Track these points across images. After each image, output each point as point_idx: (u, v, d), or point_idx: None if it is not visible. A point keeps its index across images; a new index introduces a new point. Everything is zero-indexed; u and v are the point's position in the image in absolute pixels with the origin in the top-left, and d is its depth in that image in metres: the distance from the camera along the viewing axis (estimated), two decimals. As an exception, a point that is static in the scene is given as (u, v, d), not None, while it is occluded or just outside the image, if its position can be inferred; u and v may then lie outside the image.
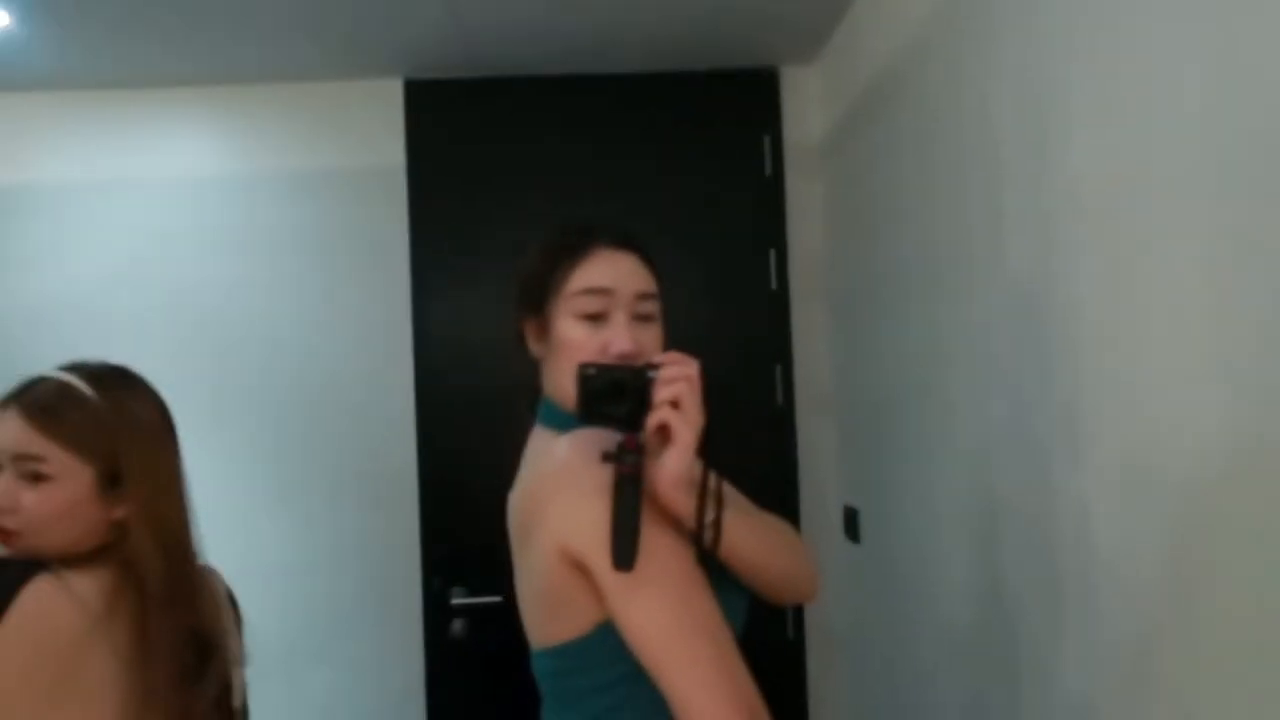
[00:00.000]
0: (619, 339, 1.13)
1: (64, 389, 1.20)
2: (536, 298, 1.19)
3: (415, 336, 2.52)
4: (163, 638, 1.19)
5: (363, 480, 2.54)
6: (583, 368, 1.03)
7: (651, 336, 1.17)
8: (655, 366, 1.03)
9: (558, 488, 1.05)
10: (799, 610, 2.56)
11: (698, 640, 0.99)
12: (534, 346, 1.23)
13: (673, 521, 1.05)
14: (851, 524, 2.45)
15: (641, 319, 1.16)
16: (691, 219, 2.53)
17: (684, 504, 1.04)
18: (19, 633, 1.09)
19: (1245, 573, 0.97)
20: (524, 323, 1.23)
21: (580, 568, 1.03)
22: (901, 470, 2.07)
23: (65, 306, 2.52)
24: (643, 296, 1.16)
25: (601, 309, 1.14)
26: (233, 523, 2.48)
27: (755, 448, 2.52)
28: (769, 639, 2.48)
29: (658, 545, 1.00)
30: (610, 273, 1.15)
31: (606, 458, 1.01)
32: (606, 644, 1.04)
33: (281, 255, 2.58)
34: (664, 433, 1.02)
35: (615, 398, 1.02)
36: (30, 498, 1.16)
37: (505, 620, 2.40)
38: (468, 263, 2.52)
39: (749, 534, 1.14)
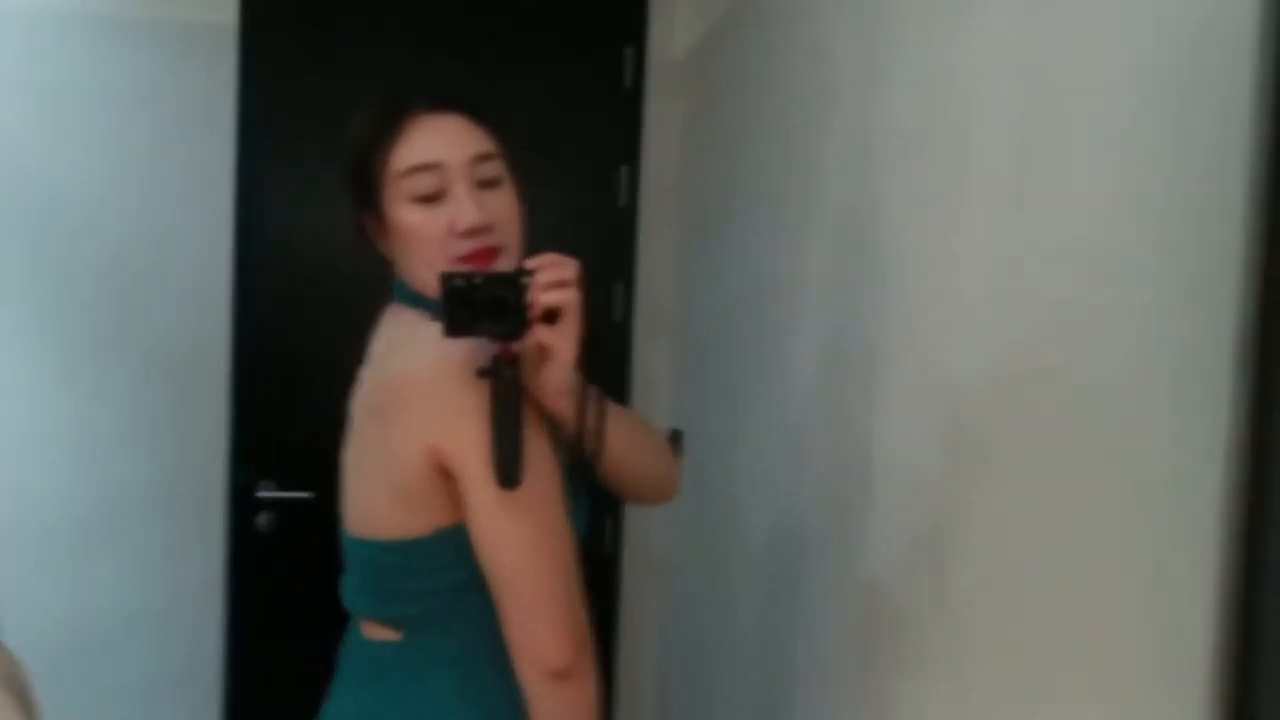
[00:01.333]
0: (463, 214, 1.03)
1: None
2: (364, 189, 1.09)
3: (236, 212, 2.35)
4: None
5: (164, 360, 2.37)
6: (446, 278, 0.94)
7: (501, 201, 1.07)
8: (528, 272, 0.96)
9: (434, 387, 0.98)
10: (617, 526, 2.58)
11: (553, 572, 0.98)
12: (378, 243, 1.13)
13: (546, 431, 1.02)
14: (675, 445, 2.46)
15: (485, 184, 1.05)
16: (544, 127, 2.43)
17: (565, 411, 1.01)
18: None
19: (1012, 476, 1.00)
20: (360, 217, 1.13)
21: (444, 473, 0.99)
22: (728, 393, 2.09)
23: None
24: (480, 159, 1.06)
25: (435, 187, 1.04)
26: (16, 393, 2.30)
27: (588, 363, 2.48)
28: (586, 552, 2.50)
29: (532, 467, 0.96)
30: (435, 143, 1.05)
31: (482, 373, 0.94)
32: (443, 550, 1.01)
33: (86, 108, 2.32)
34: (543, 348, 0.98)
35: (487, 311, 0.93)
36: None
37: (315, 518, 2.36)
38: (298, 140, 2.36)
39: (622, 435, 1.12)
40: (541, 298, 0.95)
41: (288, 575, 2.37)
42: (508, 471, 0.93)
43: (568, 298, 0.96)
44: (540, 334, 0.96)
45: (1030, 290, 0.97)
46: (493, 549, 0.99)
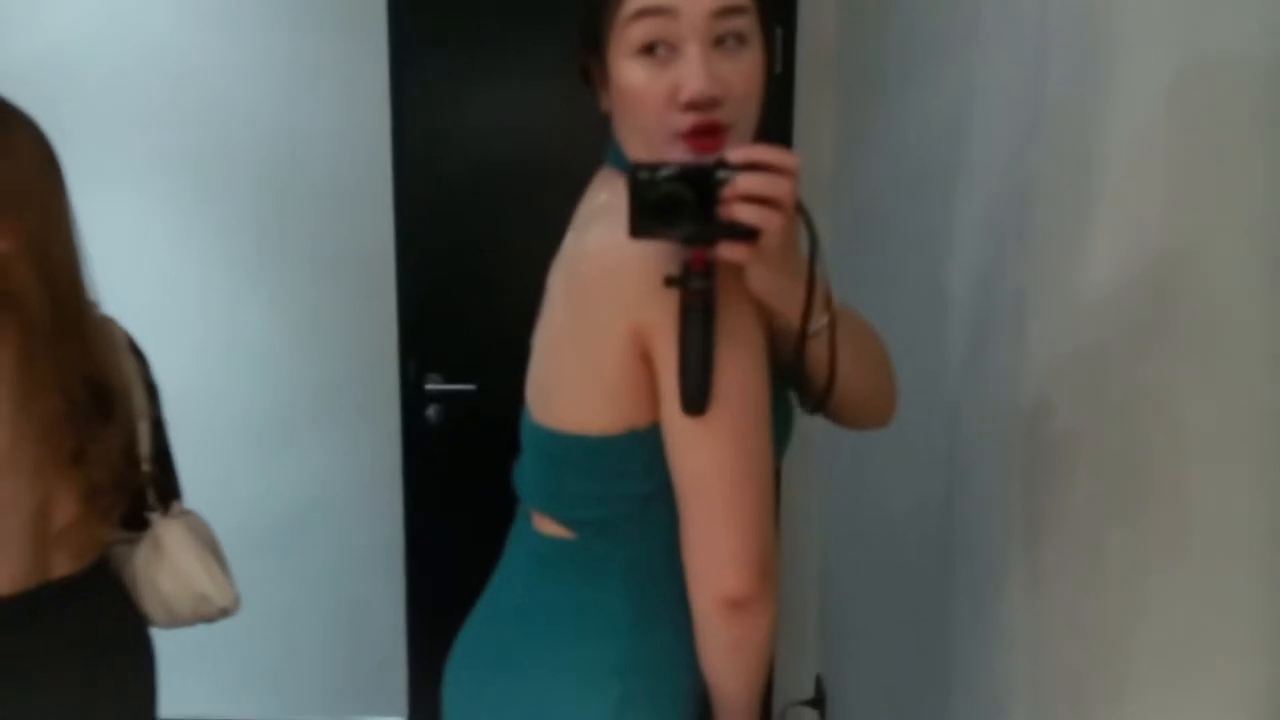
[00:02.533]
0: (690, 80, 0.84)
1: None
2: (591, 29, 0.91)
3: (393, 113, 2.37)
4: (49, 373, 1.18)
5: (336, 264, 2.46)
6: (635, 169, 0.77)
7: (741, 68, 0.87)
8: (730, 166, 0.77)
9: (644, 259, 0.82)
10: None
11: (746, 491, 0.86)
12: (600, 96, 0.96)
13: (760, 337, 0.87)
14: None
15: (727, 44, 0.86)
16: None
17: (785, 303, 0.85)
18: None
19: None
20: (586, 65, 0.96)
21: (645, 361, 0.87)
22: (884, 270, 1.96)
23: (42, 65, 2.38)
24: (724, 12, 0.85)
25: (661, 35, 0.85)
26: (210, 297, 2.44)
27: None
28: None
29: (727, 373, 0.83)
30: None
31: (670, 282, 0.80)
32: (633, 454, 0.90)
33: (246, 18, 2.38)
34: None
35: (667, 211, 0.77)
36: None
37: (480, 409, 2.43)
38: (450, 36, 2.33)
39: (851, 350, 0.95)
40: (736, 210, 0.77)
41: (457, 463, 2.45)
42: (691, 397, 0.82)
43: (770, 222, 0.77)
44: (723, 250, 0.79)
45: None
46: (683, 464, 0.87)
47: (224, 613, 1.39)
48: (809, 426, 2.44)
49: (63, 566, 1.25)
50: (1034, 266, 1.13)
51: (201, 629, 1.42)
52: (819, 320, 0.89)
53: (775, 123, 2.36)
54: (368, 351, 2.47)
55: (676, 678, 0.97)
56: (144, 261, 2.41)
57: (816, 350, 0.92)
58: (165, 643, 1.42)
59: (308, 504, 2.52)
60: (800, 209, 0.80)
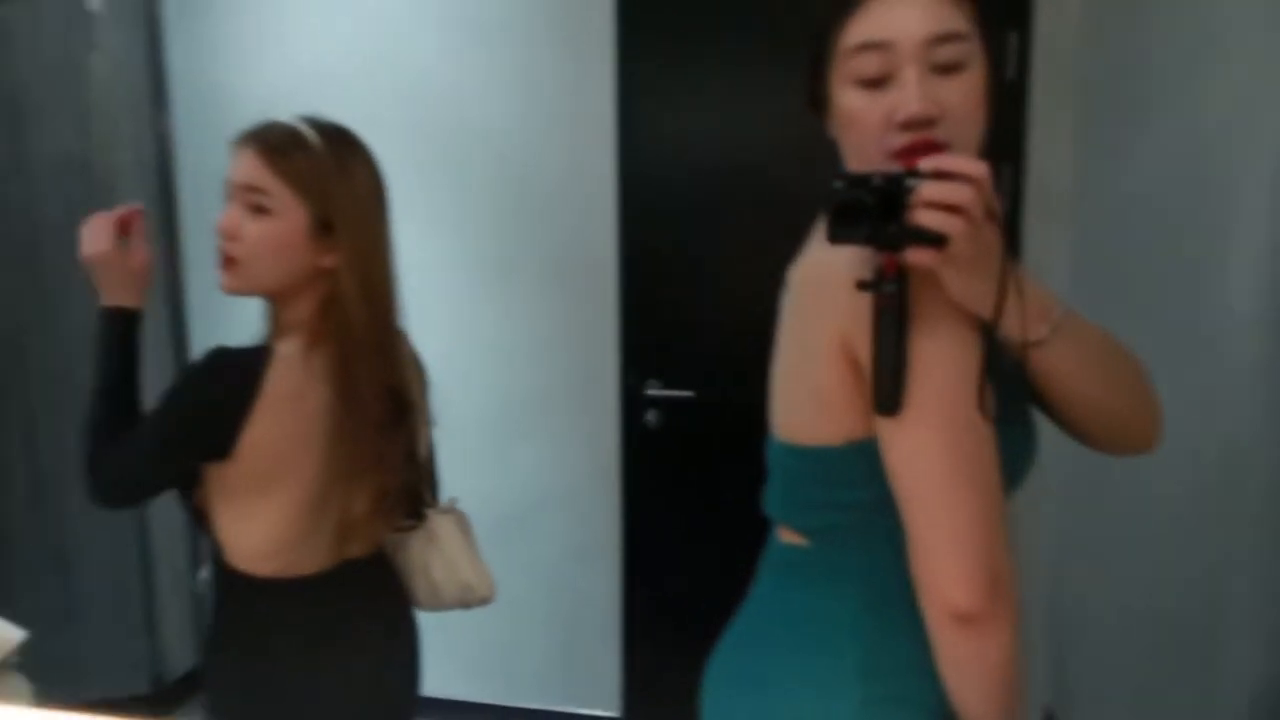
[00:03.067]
0: (905, 102, 0.88)
1: (294, 133, 1.29)
2: (817, 63, 0.98)
3: (619, 123, 2.47)
4: (362, 381, 1.29)
5: (563, 271, 2.59)
6: (834, 182, 0.82)
7: (959, 89, 0.90)
8: (920, 175, 0.81)
9: (848, 271, 0.87)
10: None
11: (960, 491, 0.86)
12: (827, 123, 1.01)
13: (972, 338, 0.87)
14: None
15: (943, 69, 0.90)
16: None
17: (984, 307, 0.85)
18: (270, 409, 1.25)
19: None
20: (814, 93, 1.01)
21: (856, 370, 0.91)
22: (1136, 297, 1.84)
23: (316, 84, 2.63)
24: (940, 40, 0.89)
25: (880, 69, 0.90)
26: (450, 303, 2.63)
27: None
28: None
29: (930, 374, 0.85)
30: (890, 19, 0.90)
31: (862, 286, 0.84)
32: (856, 463, 0.93)
33: (488, 39, 2.55)
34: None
35: (853, 217, 0.81)
36: (252, 228, 1.27)
37: (698, 415, 2.49)
38: (680, 44, 2.40)
39: (1080, 365, 0.95)
40: (919, 215, 0.80)
41: (674, 468, 2.52)
42: (885, 396, 0.85)
43: (953, 227, 0.79)
44: (911, 255, 0.81)
45: None
46: (896, 471, 0.89)
47: (484, 601, 1.50)
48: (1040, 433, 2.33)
49: (353, 551, 1.38)
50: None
51: (433, 614, 1.54)
52: (1035, 331, 0.90)
53: (1007, 130, 2.28)
54: (590, 356, 2.58)
55: (920, 686, 0.96)
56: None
57: (1045, 363, 0.92)
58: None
59: (534, 500, 2.67)
60: (992, 216, 0.81)
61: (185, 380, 1.30)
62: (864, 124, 0.92)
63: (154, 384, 1.36)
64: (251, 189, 1.26)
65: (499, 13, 2.53)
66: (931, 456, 0.86)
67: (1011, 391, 0.94)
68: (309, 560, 1.34)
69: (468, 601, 1.49)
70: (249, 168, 1.27)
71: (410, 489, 1.44)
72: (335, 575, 1.36)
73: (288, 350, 1.29)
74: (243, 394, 1.24)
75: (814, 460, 0.97)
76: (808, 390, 0.96)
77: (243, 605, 1.37)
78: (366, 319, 1.30)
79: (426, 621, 1.51)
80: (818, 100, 1.00)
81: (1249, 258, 1.39)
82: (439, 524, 1.47)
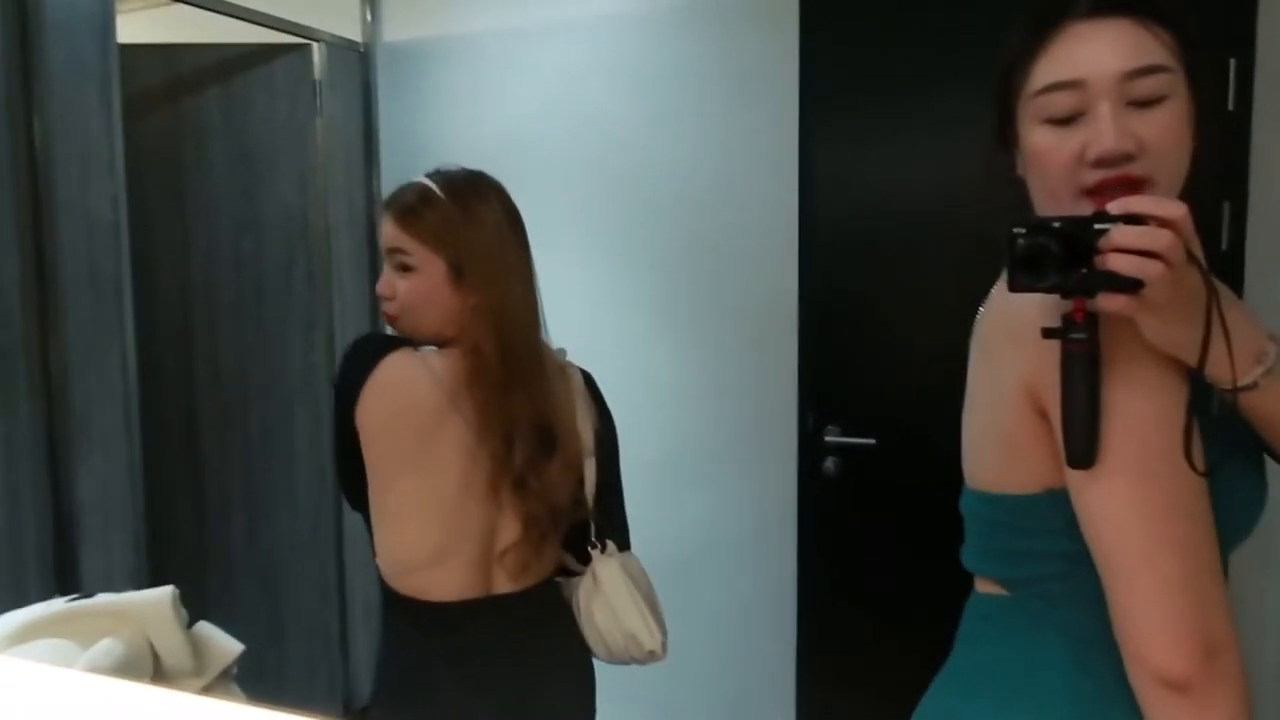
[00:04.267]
0: (1099, 138, 0.84)
1: (421, 191, 1.40)
2: (1004, 104, 0.94)
3: (801, 173, 2.46)
4: (496, 416, 1.36)
5: (742, 315, 2.58)
6: (1014, 229, 0.79)
7: (1159, 122, 0.85)
8: (1109, 218, 0.76)
9: (1039, 318, 0.83)
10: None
11: (1159, 550, 0.80)
12: (1016, 161, 0.97)
13: (1174, 382, 0.82)
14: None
15: (1141, 104, 0.85)
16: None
17: (1187, 353, 0.80)
18: (377, 392, 1.34)
19: None
20: (1004, 134, 0.98)
21: (1045, 418, 0.87)
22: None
23: (505, 140, 2.77)
24: (1137, 74, 0.84)
25: (1072, 108, 0.86)
26: (626, 343, 2.68)
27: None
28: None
29: (1128, 425, 0.81)
30: (1081, 57, 0.86)
31: (1049, 334, 0.80)
32: (1054, 512, 0.88)
33: (670, 87, 2.61)
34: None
35: (1037, 265, 0.77)
36: (402, 285, 1.39)
37: (878, 463, 2.41)
38: (862, 84, 2.38)
39: None
40: (1110, 260, 0.75)
41: (852, 516, 2.44)
42: (1076, 449, 0.81)
43: (1148, 272, 0.74)
44: (1104, 302, 0.77)
45: None
46: (1089, 524, 0.84)
47: (652, 655, 1.46)
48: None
49: (503, 584, 1.41)
50: None
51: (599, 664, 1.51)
52: (1248, 374, 0.84)
53: (1229, 161, 2.10)
54: (768, 400, 2.55)
55: None
56: (572, 307, 2.70)
57: (1263, 407, 0.85)
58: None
59: (703, 546, 2.65)
60: (1193, 259, 0.76)
61: None
62: (1055, 162, 0.88)
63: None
64: (395, 250, 1.38)
65: (683, 59, 2.59)
66: (1128, 512, 0.81)
67: (1232, 438, 0.86)
68: (451, 584, 1.37)
69: (635, 654, 1.46)
70: (390, 232, 1.39)
71: (565, 524, 1.44)
72: (479, 606, 1.38)
73: (428, 352, 1.39)
74: (361, 366, 1.35)
75: (1009, 509, 0.93)
76: (997, 439, 0.93)
77: (392, 624, 1.42)
78: (498, 354, 1.36)
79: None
80: (1005, 139, 0.97)
81: None
82: (603, 568, 1.46)
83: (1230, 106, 2.09)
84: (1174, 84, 0.86)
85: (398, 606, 1.40)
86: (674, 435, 2.67)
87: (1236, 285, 2.12)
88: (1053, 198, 0.90)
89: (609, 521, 1.51)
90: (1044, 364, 0.83)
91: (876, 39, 2.37)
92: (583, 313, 2.70)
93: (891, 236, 2.37)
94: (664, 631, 1.47)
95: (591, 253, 2.72)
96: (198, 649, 1.08)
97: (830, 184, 2.44)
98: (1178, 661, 0.79)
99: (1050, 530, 0.90)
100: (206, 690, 1.17)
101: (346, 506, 1.50)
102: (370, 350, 1.39)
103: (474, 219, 1.38)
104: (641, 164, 2.65)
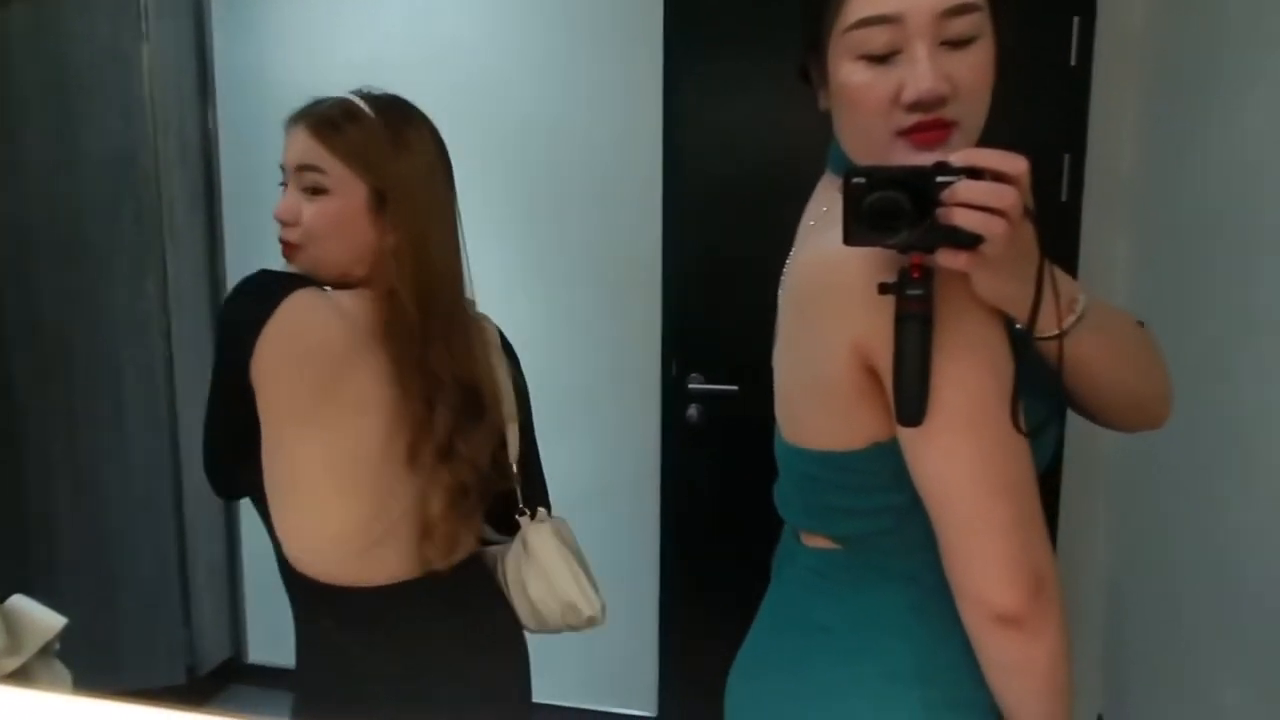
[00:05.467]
0: (916, 79, 0.82)
1: (347, 106, 1.22)
2: (812, 33, 0.91)
3: (665, 117, 2.42)
4: (416, 372, 1.20)
5: (606, 264, 2.54)
6: (849, 176, 0.76)
7: (970, 64, 0.84)
8: (952, 170, 0.74)
9: (862, 273, 0.81)
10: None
11: (992, 497, 0.82)
12: (820, 96, 0.95)
13: (996, 331, 0.82)
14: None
15: (954, 44, 0.83)
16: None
17: (1015, 306, 0.81)
18: (281, 338, 1.13)
19: None
20: (806, 63, 0.96)
21: (874, 376, 0.85)
22: (1205, 292, 1.75)
23: (337, 86, 2.61)
24: (952, 12, 0.82)
25: (888, 45, 0.83)
26: (489, 293, 2.59)
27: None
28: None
29: (959, 380, 0.80)
30: None
31: (884, 289, 0.78)
32: (881, 467, 0.88)
33: (534, 29, 2.52)
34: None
35: (889, 219, 0.74)
36: (309, 209, 1.19)
37: (741, 409, 2.43)
38: (727, 39, 2.35)
39: (1107, 352, 0.90)
40: (955, 215, 0.73)
41: (716, 463, 2.47)
42: (908, 406, 0.80)
43: (992, 229, 0.73)
44: (945, 258, 0.76)
45: None
46: (923, 476, 0.84)
47: (592, 622, 1.36)
48: (1095, 435, 2.25)
49: (433, 562, 1.24)
50: None
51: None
52: (1063, 324, 0.84)
53: (1069, 118, 2.20)
54: (633, 349, 2.53)
55: (977, 691, 0.90)
56: None
57: (1074, 351, 0.86)
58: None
59: (568, 493, 2.62)
60: (1029, 214, 0.75)
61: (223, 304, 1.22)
62: (868, 102, 0.85)
63: (196, 373, 1.31)
64: (307, 168, 1.19)
65: (548, 5, 2.49)
66: (961, 463, 0.82)
67: (1044, 396, 0.87)
68: (378, 566, 1.21)
69: (573, 623, 1.35)
70: (302, 146, 1.20)
71: (500, 495, 1.32)
72: (410, 589, 1.23)
73: (335, 294, 1.20)
74: (257, 308, 1.14)
75: (838, 466, 0.91)
76: (823, 396, 0.90)
77: (307, 618, 1.25)
78: (425, 300, 1.20)
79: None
80: (809, 72, 0.95)
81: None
82: (534, 535, 1.33)
83: (1072, 62, 2.18)
84: (983, 23, 0.85)
85: (313, 596, 1.22)
86: (536, 385, 2.61)
87: (1074, 234, 2.23)
88: (865, 136, 0.88)
89: (532, 486, 1.40)
90: (875, 320, 0.81)
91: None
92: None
93: (755, 186, 2.37)
94: (600, 595, 1.37)
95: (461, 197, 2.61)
96: (10, 625, 0.97)
97: (696, 132, 2.41)
98: (1011, 597, 0.82)
99: (879, 485, 0.90)
100: (24, 669, 1.06)
101: (188, 462, 1.32)
102: (265, 289, 1.17)
103: (404, 144, 1.22)
104: (501, 107, 2.55)
